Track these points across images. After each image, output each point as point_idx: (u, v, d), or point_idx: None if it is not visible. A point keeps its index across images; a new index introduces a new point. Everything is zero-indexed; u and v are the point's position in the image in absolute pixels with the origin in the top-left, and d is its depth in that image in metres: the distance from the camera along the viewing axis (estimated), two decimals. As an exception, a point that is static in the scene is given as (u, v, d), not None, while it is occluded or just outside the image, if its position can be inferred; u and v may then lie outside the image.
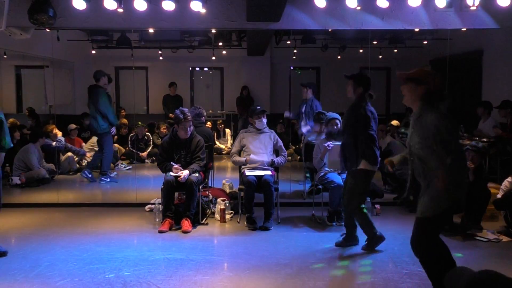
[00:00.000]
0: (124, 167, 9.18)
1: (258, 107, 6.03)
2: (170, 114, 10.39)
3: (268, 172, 5.60)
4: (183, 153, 5.65)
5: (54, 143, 8.50)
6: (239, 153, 5.97)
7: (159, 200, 5.77)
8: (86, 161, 8.98)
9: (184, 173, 5.40)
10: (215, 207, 5.92)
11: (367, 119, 4.54)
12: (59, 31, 7.46)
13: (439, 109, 3.30)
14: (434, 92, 3.30)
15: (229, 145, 10.98)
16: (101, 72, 8.12)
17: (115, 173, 8.61)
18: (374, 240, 4.63)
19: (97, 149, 8.32)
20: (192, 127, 5.66)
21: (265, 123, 5.93)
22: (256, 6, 5.81)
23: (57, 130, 8.88)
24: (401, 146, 7.37)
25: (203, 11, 6.06)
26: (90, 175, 7.87)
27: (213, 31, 8.64)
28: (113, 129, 7.94)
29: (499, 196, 5.37)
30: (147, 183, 7.93)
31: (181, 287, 3.79)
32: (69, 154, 8.80)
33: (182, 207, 5.51)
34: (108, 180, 7.88)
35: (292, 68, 11.74)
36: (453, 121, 3.28)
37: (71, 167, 8.76)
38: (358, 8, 6.06)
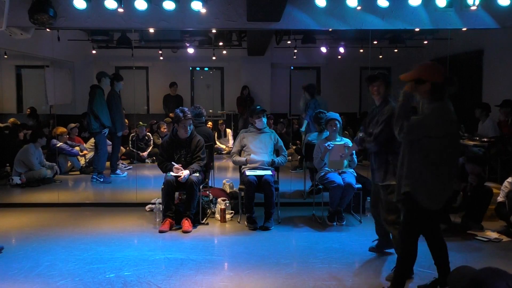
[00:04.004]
0: (125, 167, 9.18)
1: (258, 107, 6.03)
2: (170, 114, 10.42)
3: (269, 172, 5.60)
4: (183, 153, 5.65)
5: (58, 144, 8.53)
6: (239, 153, 5.97)
7: (160, 200, 5.77)
8: (84, 159, 9.03)
9: (185, 173, 5.40)
10: (215, 207, 5.92)
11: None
12: (60, 31, 7.46)
13: (442, 101, 3.30)
14: (438, 85, 3.29)
15: (230, 145, 10.98)
16: (103, 73, 8.16)
17: (126, 173, 8.62)
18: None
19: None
20: (192, 126, 5.66)
21: (265, 122, 5.93)
22: (257, 6, 5.81)
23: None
24: None
25: (203, 11, 6.06)
26: (101, 179, 7.87)
27: (214, 31, 8.65)
28: (105, 131, 7.88)
29: (500, 198, 5.34)
30: (148, 183, 7.93)
31: (181, 287, 3.79)
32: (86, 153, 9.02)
33: (183, 207, 5.51)
34: (102, 180, 7.86)
35: (292, 68, 11.76)
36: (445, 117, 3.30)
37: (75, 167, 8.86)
38: (359, 8, 6.07)
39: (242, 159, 5.82)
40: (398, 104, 3.40)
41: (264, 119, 5.89)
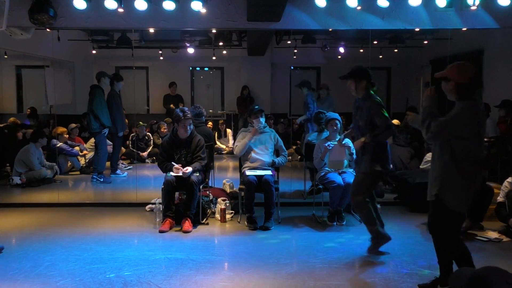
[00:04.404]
0: (125, 167, 9.18)
1: (256, 107, 6.01)
2: (171, 105, 10.46)
3: (269, 172, 5.60)
4: (183, 152, 5.65)
5: (59, 144, 8.52)
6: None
7: (160, 200, 5.77)
8: (84, 159, 9.03)
9: (189, 169, 5.40)
10: (215, 207, 5.92)
11: (382, 108, 4.45)
12: (60, 31, 7.46)
13: (471, 101, 3.34)
14: (462, 85, 3.37)
15: (230, 145, 10.99)
16: (103, 73, 8.16)
17: (126, 173, 8.61)
18: (378, 239, 4.51)
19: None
20: (192, 126, 5.66)
21: (263, 122, 5.91)
22: (257, 6, 5.81)
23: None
24: (399, 148, 7.42)
25: (203, 11, 6.06)
26: (101, 179, 7.87)
27: (214, 31, 8.65)
28: (105, 130, 7.88)
29: (500, 198, 5.33)
30: (148, 183, 7.93)
31: (181, 287, 3.79)
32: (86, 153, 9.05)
33: (183, 207, 5.51)
34: (102, 180, 7.86)
35: (292, 68, 11.76)
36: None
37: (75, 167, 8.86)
38: (359, 8, 6.07)
39: (246, 139, 5.78)
40: (421, 109, 3.51)
41: (262, 119, 5.88)
